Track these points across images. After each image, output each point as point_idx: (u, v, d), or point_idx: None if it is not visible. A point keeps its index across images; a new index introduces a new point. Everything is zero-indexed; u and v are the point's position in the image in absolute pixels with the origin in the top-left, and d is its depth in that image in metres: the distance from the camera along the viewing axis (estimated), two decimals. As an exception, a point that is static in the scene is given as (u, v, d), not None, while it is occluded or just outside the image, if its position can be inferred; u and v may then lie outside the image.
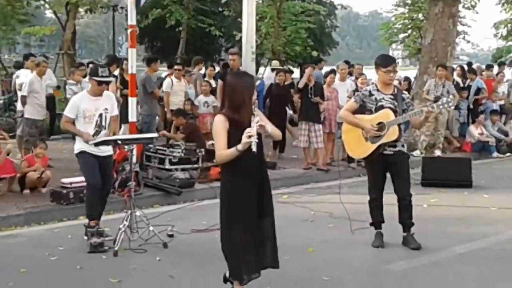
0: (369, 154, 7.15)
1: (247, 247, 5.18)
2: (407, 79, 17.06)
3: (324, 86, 12.34)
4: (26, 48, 34.95)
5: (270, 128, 5.21)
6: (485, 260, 6.74)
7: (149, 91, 11.64)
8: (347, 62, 16.10)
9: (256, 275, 5.27)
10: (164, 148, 10.77)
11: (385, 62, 7.13)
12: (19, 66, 14.30)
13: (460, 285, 5.96)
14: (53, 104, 14.82)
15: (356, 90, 11.68)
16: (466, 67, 17.39)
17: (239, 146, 4.98)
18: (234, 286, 5.31)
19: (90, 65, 11.98)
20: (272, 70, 16.38)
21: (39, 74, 11.31)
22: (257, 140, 4.98)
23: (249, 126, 5.00)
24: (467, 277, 6.21)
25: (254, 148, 4.95)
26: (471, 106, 15.69)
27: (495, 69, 18.65)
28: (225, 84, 12.31)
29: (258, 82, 12.67)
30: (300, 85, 11.96)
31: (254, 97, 5.17)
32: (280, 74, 13.67)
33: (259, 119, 5.05)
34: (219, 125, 5.10)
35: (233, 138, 5.03)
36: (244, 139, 4.94)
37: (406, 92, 7.69)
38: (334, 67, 13.76)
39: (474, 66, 18.09)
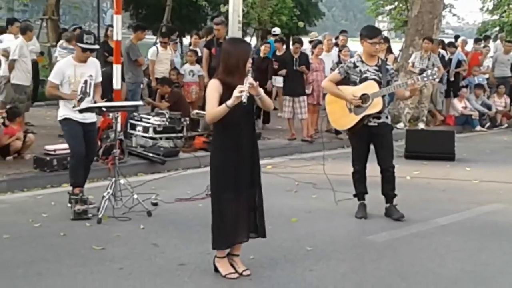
0: (352, 125, 7.16)
1: (237, 217, 5.24)
2: (384, 38, 16.94)
3: (312, 57, 12.33)
4: (9, 13, 34.38)
5: (263, 94, 5.26)
6: (467, 232, 6.82)
7: (132, 59, 11.55)
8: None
9: (245, 239, 5.38)
10: (149, 117, 10.72)
11: (371, 33, 7.10)
12: (2, 31, 14.11)
13: (442, 256, 6.03)
14: (36, 70, 14.65)
15: (339, 62, 11.67)
16: (446, 41, 17.33)
17: (229, 102, 5.01)
18: (217, 254, 5.36)
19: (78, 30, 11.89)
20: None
21: (27, 38, 11.14)
22: (247, 94, 4.98)
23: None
24: (449, 248, 6.28)
25: (244, 99, 4.95)
26: (452, 79, 15.71)
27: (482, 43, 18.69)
28: (212, 52, 12.31)
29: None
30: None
31: (249, 64, 5.19)
32: (266, 47, 13.71)
33: (251, 80, 5.06)
34: (212, 88, 5.14)
35: (226, 101, 5.05)
36: (236, 93, 4.96)
37: (390, 64, 7.69)
38: (321, 38, 13.72)
39: (460, 39, 18.03)
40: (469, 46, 18.22)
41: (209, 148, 10.46)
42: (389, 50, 14.73)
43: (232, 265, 5.42)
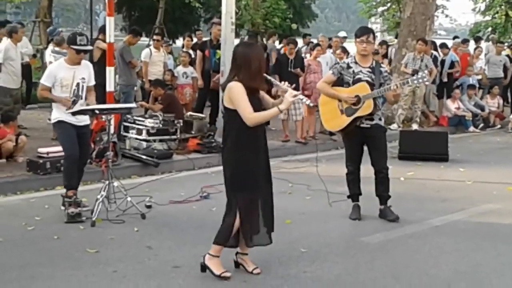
0: (344, 127, 7.17)
1: (258, 215, 5.36)
2: (384, 42, 17.00)
3: (310, 59, 12.35)
4: (1, 15, 34.35)
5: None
6: (461, 233, 6.83)
7: (126, 61, 11.54)
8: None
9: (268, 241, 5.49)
10: (142, 119, 10.70)
11: (359, 32, 7.13)
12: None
13: (436, 257, 6.03)
14: (29, 72, 14.62)
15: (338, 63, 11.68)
16: (439, 42, 17.37)
17: (282, 106, 5.18)
18: (213, 253, 5.37)
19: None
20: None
21: (15, 41, 11.08)
22: (305, 98, 5.35)
23: (259, 92, 5.32)
24: (443, 249, 6.29)
25: (308, 102, 5.49)
26: (444, 80, 15.73)
27: (471, 44, 18.72)
28: (205, 54, 12.28)
29: None
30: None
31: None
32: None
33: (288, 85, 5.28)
34: (241, 90, 5.16)
35: (251, 104, 5.17)
36: (290, 98, 5.11)
37: (384, 66, 7.68)
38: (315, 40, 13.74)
39: (458, 40, 17.99)
40: (471, 47, 18.17)
41: (202, 150, 10.51)
42: (385, 55, 14.82)
43: (242, 265, 5.49)
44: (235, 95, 5.17)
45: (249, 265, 5.49)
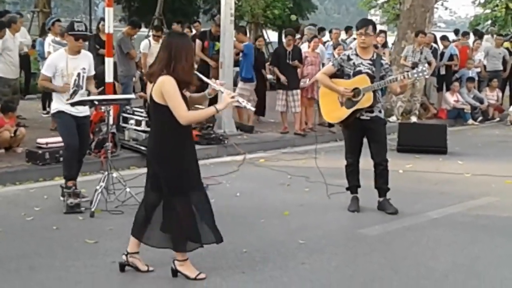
0: (343, 119, 7.17)
1: (194, 216, 5.11)
2: (382, 31, 16.95)
3: (308, 51, 12.33)
4: (1, 5, 34.24)
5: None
6: (459, 225, 6.84)
7: (124, 52, 11.53)
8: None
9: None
10: (141, 110, 10.69)
11: (358, 25, 7.15)
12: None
13: (434, 249, 6.05)
14: (28, 63, 14.59)
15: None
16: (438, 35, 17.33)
17: (219, 106, 5.00)
18: (179, 258, 5.17)
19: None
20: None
21: (13, 31, 11.05)
22: (244, 101, 5.10)
23: (190, 87, 5.11)
24: (441, 241, 6.31)
25: (249, 106, 5.24)
26: (442, 73, 15.70)
27: (472, 36, 18.68)
28: (204, 45, 12.28)
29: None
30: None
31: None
32: (259, 40, 13.71)
33: (222, 82, 5.15)
34: (175, 86, 4.86)
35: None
36: (228, 99, 4.97)
37: (385, 58, 7.66)
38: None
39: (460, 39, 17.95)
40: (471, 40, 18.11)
41: (201, 141, 10.50)
42: (385, 45, 14.79)
43: (135, 264, 5.29)
44: (169, 91, 4.86)
45: (142, 265, 5.28)
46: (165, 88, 4.87)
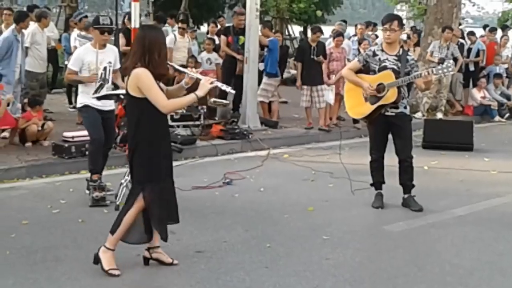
0: (367, 115, 7.14)
1: (164, 205, 5.14)
2: (416, 31, 16.83)
3: (332, 47, 12.29)
4: (28, 0, 34.54)
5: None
6: (485, 222, 6.79)
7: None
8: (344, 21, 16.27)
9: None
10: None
11: (383, 20, 7.10)
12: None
13: (459, 246, 6.01)
14: (56, 57, 14.72)
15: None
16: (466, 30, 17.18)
17: (199, 92, 5.03)
18: (110, 246, 5.16)
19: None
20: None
21: (42, 25, 11.16)
22: (224, 85, 5.28)
23: (165, 78, 5.21)
24: (466, 238, 6.26)
25: (229, 89, 5.40)
26: (471, 69, 15.53)
27: (499, 32, 18.46)
28: (228, 40, 12.31)
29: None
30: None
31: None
32: (277, 34, 13.69)
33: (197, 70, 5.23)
34: (150, 77, 4.91)
35: None
36: (207, 85, 5.02)
37: (411, 54, 7.59)
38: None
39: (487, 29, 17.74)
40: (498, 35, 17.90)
41: (226, 136, 10.53)
42: (417, 44, 14.70)
43: (157, 259, 5.31)
44: (145, 83, 4.90)
45: (166, 258, 5.31)
46: (142, 81, 4.91)
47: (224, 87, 5.39)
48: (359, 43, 13.53)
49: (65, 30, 14.55)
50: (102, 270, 5.10)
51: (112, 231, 5.17)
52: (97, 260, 5.16)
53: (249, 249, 5.71)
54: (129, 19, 11.22)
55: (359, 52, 12.42)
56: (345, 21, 16.36)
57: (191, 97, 5.05)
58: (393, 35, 7.00)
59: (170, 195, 5.19)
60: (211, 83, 5.07)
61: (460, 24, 20.53)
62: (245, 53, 11.77)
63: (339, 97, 12.09)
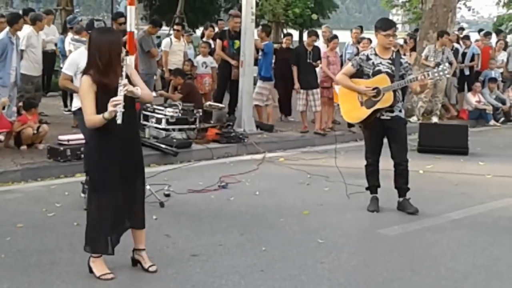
0: (364, 119, 7.15)
1: (110, 218, 5.08)
2: (412, 36, 16.88)
3: (327, 51, 12.32)
4: (24, 3, 34.58)
5: (140, 90, 4.94)
6: (480, 226, 6.79)
7: (145, 50, 11.59)
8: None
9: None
10: (162, 108, 10.75)
11: (385, 25, 7.08)
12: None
13: (454, 250, 6.01)
14: (53, 60, 14.69)
15: (358, 54, 11.66)
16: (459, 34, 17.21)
17: (106, 114, 4.73)
18: (94, 254, 5.15)
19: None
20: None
21: (37, 28, 11.14)
22: (123, 110, 4.72)
23: (117, 88, 4.77)
24: (461, 242, 6.26)
25: (119, 121, 4.72)
26: (466, 73, 15.57)
27: (493, 37, 18.51)
28: (224, 44, 12.31)
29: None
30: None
31: (123, 54, 4.86)
32: (287, 38, 13.67)
33: (126, 83, 4.76)
34: (86, 88, 4.79)
35: (101, 102, 4.77)
36: (110, 107, 4.69)
37: (404, 57, 7.64)
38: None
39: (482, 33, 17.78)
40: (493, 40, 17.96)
41: (221, 140, 10.54)
42: (413, 49, 14.72)
43: (139, 262, 5.28)
44: (81, 91, 4.84)
45: (146, 262, 5.25)
46: (80, 89, 4.87)
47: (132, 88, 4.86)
48: (358, 42, 13.56)
49: (62, 33, 14.54)
50: (95, 277, 5.10)
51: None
52: (90, 269, 5.16)
53: (244, 253, 5.71)
54: (114, 19, 11.19)
55: (358, 52, 12.44)
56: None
57: (98, 118, 4.78)
58: (394, 40, 7.13)
59: (108, 209, 5.01)
60: (115, 105, 4.68)
61: (463, 29, 20.60)
62: (240, 57, 11.78)
63: (332, 101, 12.13)
